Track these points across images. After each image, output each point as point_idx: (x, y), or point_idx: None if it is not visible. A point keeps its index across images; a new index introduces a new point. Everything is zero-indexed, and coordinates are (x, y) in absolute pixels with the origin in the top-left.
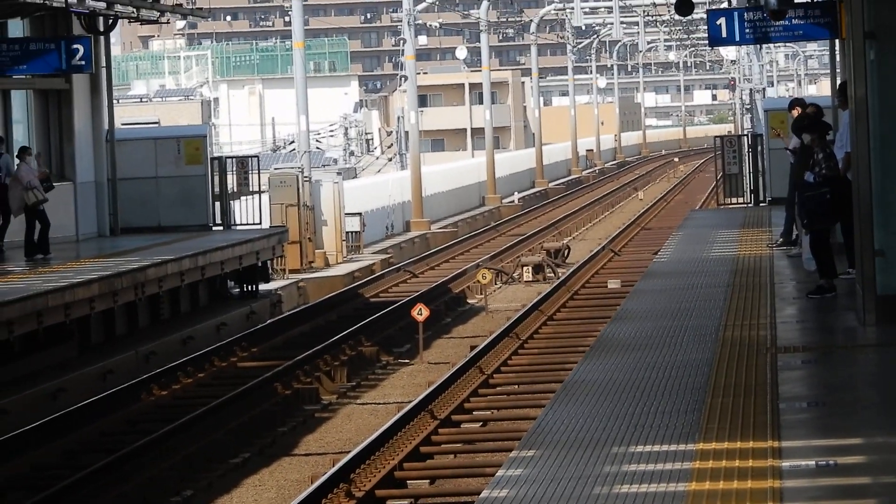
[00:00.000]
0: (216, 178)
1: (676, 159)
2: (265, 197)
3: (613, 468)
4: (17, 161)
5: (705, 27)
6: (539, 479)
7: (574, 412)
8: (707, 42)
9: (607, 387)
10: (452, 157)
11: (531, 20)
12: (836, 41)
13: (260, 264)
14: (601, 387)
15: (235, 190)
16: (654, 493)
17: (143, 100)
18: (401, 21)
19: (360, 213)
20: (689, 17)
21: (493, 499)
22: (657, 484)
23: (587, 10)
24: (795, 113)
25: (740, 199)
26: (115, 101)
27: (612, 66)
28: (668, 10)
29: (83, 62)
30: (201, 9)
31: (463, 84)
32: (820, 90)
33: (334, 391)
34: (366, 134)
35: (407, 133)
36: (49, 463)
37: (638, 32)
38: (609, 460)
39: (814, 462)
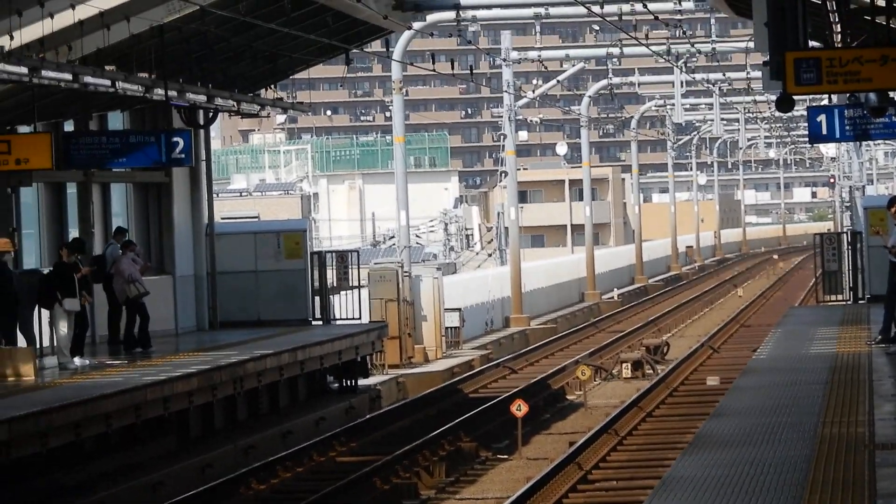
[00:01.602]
0: (316, 273)
1: (776, 256)
2: (365, 292)
3: None
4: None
5: (805, 124)
6: None
7: None
8: (807, 139)
9: (706, 483)
10: (552, 254)
11: (632, 116)
12: None
13: (359, 359)
14: (700, 483)
15: (335, 284)
16: None
17: (243, 194)
18: (501, 116)
19: (459, 309)
20: (790, 115)
21: None
22: None
23: (687, 106)
24: (895, 211)
25: (839, 297)
26: (214, 195)
27: (712, 162)
28: (769, 107)
29: (183, 155)
30: (302, 103)
31: (563, 180)
32: None
33: (433, 486)
34: (466, 229)
35: (507, 229)
36: None
37: (738, 129)
38: None
39: None
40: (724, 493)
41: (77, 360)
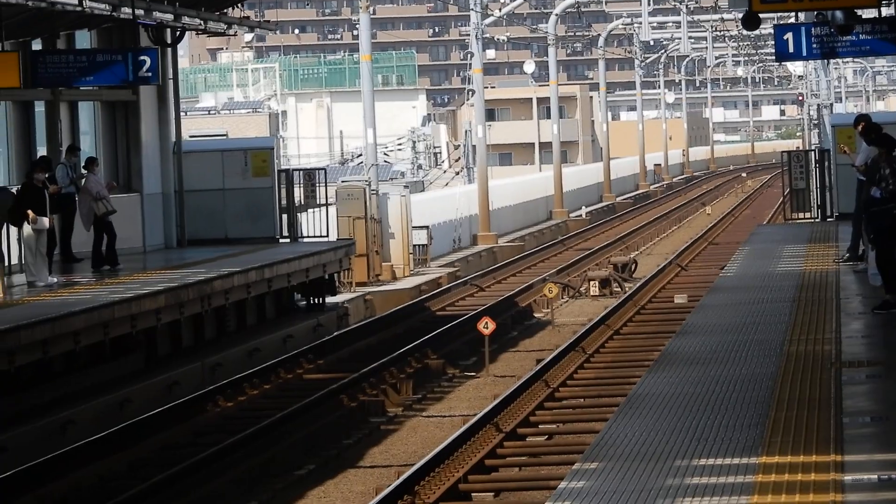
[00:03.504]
0: (283, 191)
1: (744, 174)
2: (332, 209)
3: (676, 481)
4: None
5: (773, 42)
6: (601, 492)
7: (637, 426)
8: (774, 57)
9: (671, 400)
10: (520, 171)
11: (599, 35)
12: None
13: (327, 277)
14: (665, 400)
15: (302, 202)
16: None
17: (211, 112)
18: (469, 35)
19: (427, 227)
20: (758, 33)
21: None
22: (719, 497)
23: (655, 24)
24: (861, 128)
25: (807, 215)
26: (183, 114)
27: (680, 80)
28: (736, 25)
29: (150, 74)
30: (269, 21)
31: (531, 98)
32: (888, 106)
33: (400, 403)
34: (434, 147)
35: (474, 147)
36: (114, 474)
37: (706, 47)
38: (671, 473)
39: (876, 476)
40: (690, 410)
41: (47, 278)
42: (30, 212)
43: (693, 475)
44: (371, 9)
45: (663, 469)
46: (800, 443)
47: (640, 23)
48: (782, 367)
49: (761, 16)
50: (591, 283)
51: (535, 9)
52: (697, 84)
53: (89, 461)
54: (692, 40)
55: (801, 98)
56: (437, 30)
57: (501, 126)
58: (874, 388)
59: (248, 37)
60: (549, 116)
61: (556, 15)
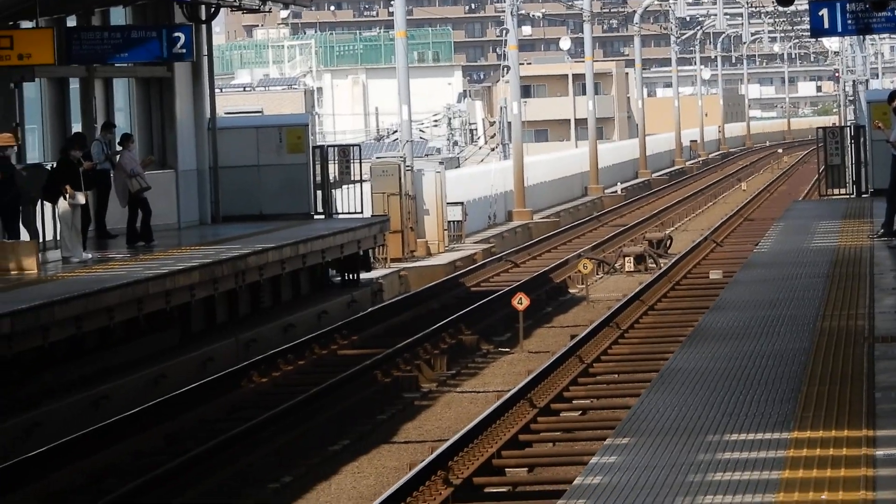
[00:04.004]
0: (318, 167)
1: (780, 150)
2: (367, 186)
3: (707, 456)
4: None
5: (809, 18)
6: (633, 467)
7: (670, 401)
8: (809, 33)
9: (704, 375)
10: (555, 148)
11: (634, 11)
12: None
13: (361, 253)
14: (697, 375)
15: (337, 179)
16: (748, 481)
17: (247, 89)
18: (504, 11)
19: (462, 203)
20: (793, 8)
21: (585, 486)
22: (751, 472)
23: (690, 1)
24: (895, 105)
25: (842, 191)
26: (218, 90)
27: (715, 57)
28: (772, 1)
29: (184, 50)
30: None
31: (566, 74)
32: None
33: (434, 379)
34: (469, 124)
35: (510, 123)
36: (149, 449)
37: (742, 24)
38: (703, 448)
39: None
40: (722, 385)
41: (82, 254)
42: (68, 186)
43: (725, 450)
44: None
45: (695, 444)
46: (832, 418)
47: None
48: (815, 342)
49: None
50: (626, 258)
51: None
52: (733, 60)
53: (124, 437)
54: (728, 16)
55: (836, 74)
56: (472, 6)
57: (537, 102)
58: None
59: (284, 13)
60: (584, 93)
61: None
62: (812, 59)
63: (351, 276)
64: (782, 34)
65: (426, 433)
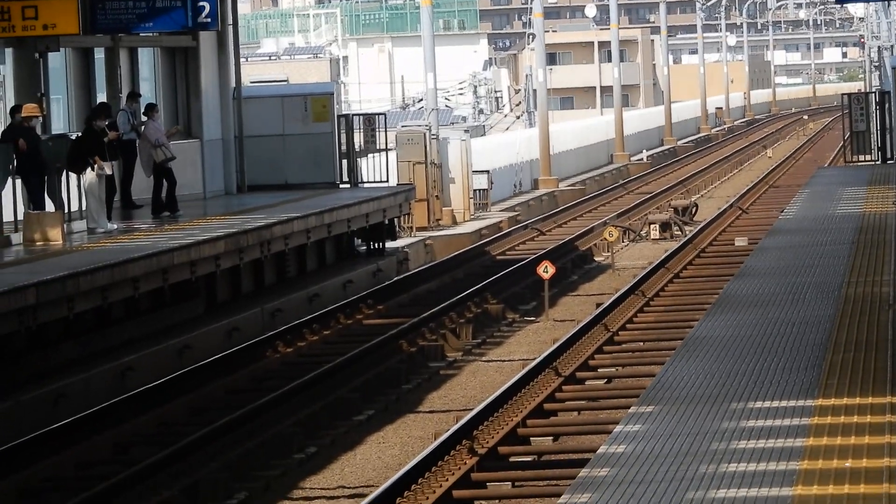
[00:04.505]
0: (343, 136)
1: (806, 117)
2: (392, 155)
3: (732, 424)
4: (144, 118)
5: None
6: (657, 435)
7: (694, 368)
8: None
9: (728, 343)
10: (581, 115)
11: None
12: None
13: (387, 222)
14: (722, 343)
15: (363, 147)
16: (772, 449)
17: (273, 58)
18: None
19: (487, 171)
20: None
21: (610, 454)
22: (774, 440)
23: None
24: None
25: (868, 157)
26: (244, 59)
27: (741, 23)
28: None
29: (209, 19)
30: None
31: (592, 42)
32: None
33: (459, 348)
34: (495, 92)
35: (535, 91)
36: (175, 419)
37: None
38: (727, 416)
39: None
40: (747, 352)
41: (107, 224)
42: (97, 157)
43: (749, 418)
44: None
45: (719, 411)
46: (856, 385)
47: None
48: (840, 309)
49: None
50: (652, 226)
51: None
52: (759, 27)
53: (150, 407)
54: None
55: (862, 40)
56: None
57: (562, 70)
58: None
59: None
60: (610, 60)
61: None
62: (837, 25)
63: (376, 245)
64: (808, 0)
65: (451, 402)
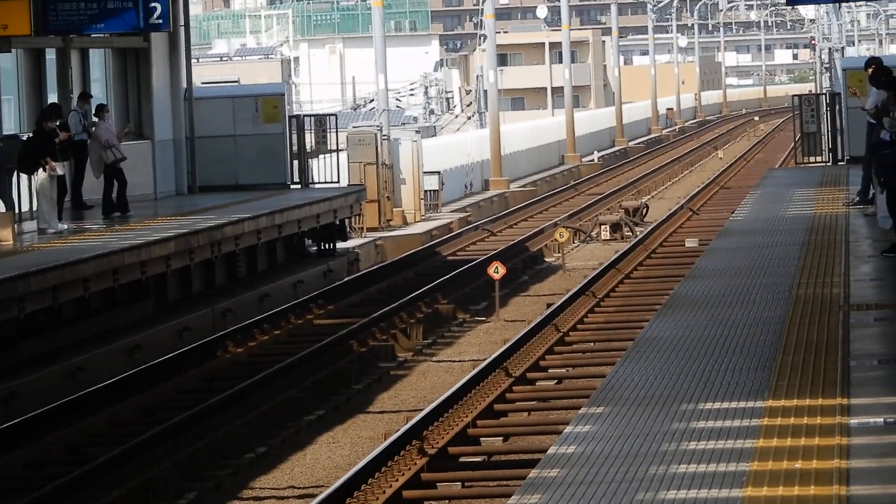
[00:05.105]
0: (294, 137)
1: (757, 118)
2: (343, 155)
3: (682, 425)
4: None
5: None
6: (607, 436)
7: (644, 369)
8: (786, 1)
9: (679, 344)
10: (532, 116)
11: None
12: None
13: (338, 222)
14: (672, 344)
15: (314, 148)
16: (722, 450)
17: (224, 59)
18: None
19: (438, 172)
20: None
21: (560, 455)
22: (724, 441)
23: None
24: (872, 72)
25: (819, 158)
26: (195, 60)
27: (692, 25)
28: None
29: (161, 21)
30: None
31: (543, 43)
32: None
33: (410, 348)
34: (446, 93)
35: (486, 92)
36: (125, 419)
37: None
38: (677, 417)
39: (882, 419)
40: (697, 353)
41: (58, 225)
42: (49, 158)
43: (699, 419)
44: None
45: (669, 412)
46: (806, 386)
47: None
48: (790, 310)
49: None
50: (603, 227)
51: None
52: (710, 28)
53: (101, 407)
54: None
55: (812, 42)
56: None
57: (514, 71)
58: (882, 332)
59: None
60: (561, 61)
61: None
62: (788, 26)
63: (327, 245)
64: (759, 2)
65: (402, 403)
